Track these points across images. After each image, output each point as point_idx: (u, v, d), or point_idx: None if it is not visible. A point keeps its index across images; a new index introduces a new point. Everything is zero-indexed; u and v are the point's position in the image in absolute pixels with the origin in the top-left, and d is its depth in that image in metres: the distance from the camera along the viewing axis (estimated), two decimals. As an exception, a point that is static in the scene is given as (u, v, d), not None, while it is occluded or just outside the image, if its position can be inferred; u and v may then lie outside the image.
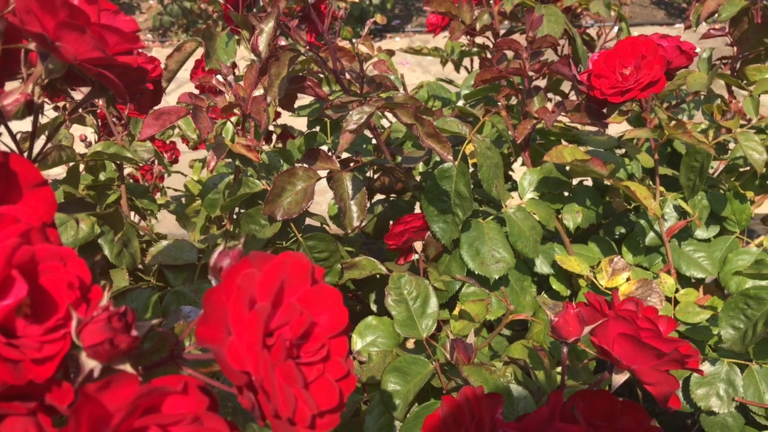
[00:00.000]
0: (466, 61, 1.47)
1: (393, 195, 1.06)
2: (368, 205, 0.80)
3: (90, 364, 0.31)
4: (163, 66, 0.94)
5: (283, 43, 0.87)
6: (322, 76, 0.98)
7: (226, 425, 0.32)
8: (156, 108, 0.77)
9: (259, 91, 0.79)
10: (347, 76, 0.88)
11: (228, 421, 0.34)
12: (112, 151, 0.85)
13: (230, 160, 0.84)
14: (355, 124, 0.72)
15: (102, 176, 0.97)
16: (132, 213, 1.12)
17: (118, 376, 0.30)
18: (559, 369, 0.65)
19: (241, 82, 0.81)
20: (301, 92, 0.79)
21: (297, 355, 0.34)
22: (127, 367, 0.32)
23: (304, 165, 0.81)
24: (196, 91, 0.93)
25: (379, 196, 1.12)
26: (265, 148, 1.37)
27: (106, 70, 0.40)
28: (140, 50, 0.93)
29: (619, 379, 0.49)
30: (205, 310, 0.31)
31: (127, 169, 1.55)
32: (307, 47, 0.76)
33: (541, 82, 1.24)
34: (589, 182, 1.03)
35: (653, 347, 0.46)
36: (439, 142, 0.71)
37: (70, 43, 0.38)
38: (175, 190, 1.45)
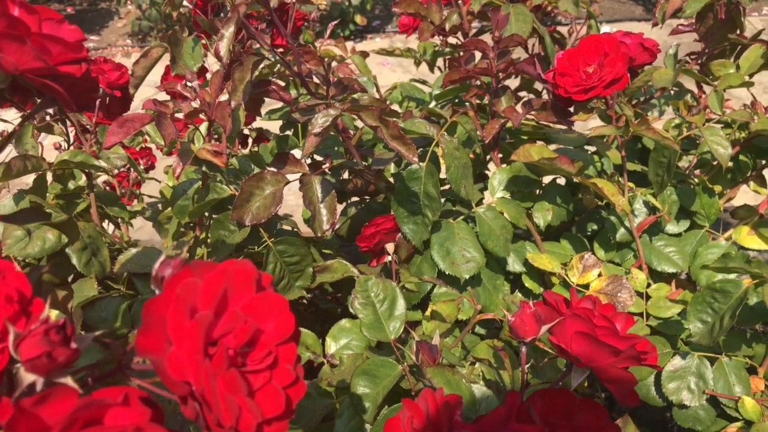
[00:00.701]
0: (441, 62, 1.47)
1: (367, 197, 1.06)
2: (338, 207, 0.80)
3: (29, 378, 0.31)
4: (130, 72, 0.94)
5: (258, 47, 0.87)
6: (291, 79, 0.98)
7: (170, 436, 0.32)
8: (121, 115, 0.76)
9: (224, 97, 0.79)
10: (315, 79, 0.88)
11: (175, 431, 0.33)
12: (80, 160, 0.84)
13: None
14: (320, 127, 0.72)
15: (71, 185, 0.96)
16: (107, 222, 1.11)
17: (56, 390, 0.30)
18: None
19: (208, 88, 0.81)
20: (266, 96, 0.79)
21: (242, 364, 0.34)
22: (68, 381, 0.32)
23: (273, 169, 0.80)
24: (168, 97, 0.92)
25: (355, 199, 1.12)
26: (243, 152, 1.37)
27: (51, 81, 0.40)
28: (106, 58, 0.92)
29: (579, 377, 0.49)
30: (145, 321, 0.31)
31: (103, 177, 1.55)
32: (272, 51, 0.76)
33: (515, 82, 1.25)
34: (561, 180, 1.04)
35: (609, 345, 0.46)
36: (404, 144, 0.71)
37: (10, 53, 0.37)
38: (150, 196, 1.45)
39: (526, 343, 0.48)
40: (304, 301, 1.39)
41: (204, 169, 0.80)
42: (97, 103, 0.92)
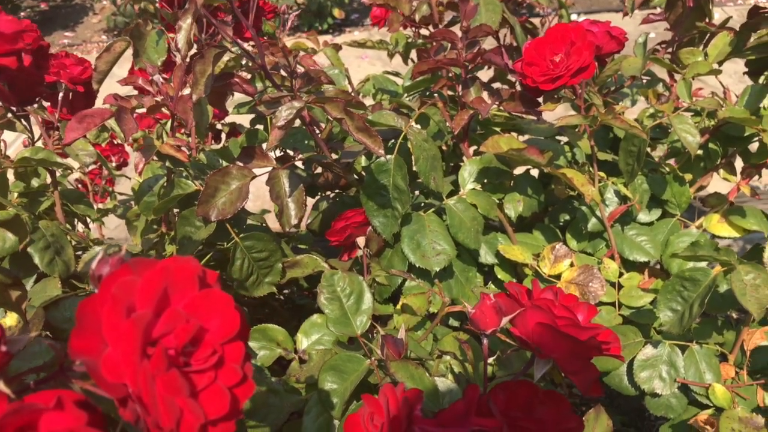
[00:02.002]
0: (415, 54, 1.46)
1: (338, 191, 1.05)
2: (306, 201, 0.79)
3: (-43, 383, 0.30)
4: (93, 67, 0.92)
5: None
6: (258, 72, 0.97)
7: (108, 440, 0.31)
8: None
9: (188, 90, 0.77)
10: (284, 72, 0.86)
11: (115, 434, 0.32)
12: (41, 157, 0.82)
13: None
14: (284, 119, 0.71)
15: (35, 182, 0.94)
16: (76, 221, 1.09)
17: (-16, 395, 0.28)
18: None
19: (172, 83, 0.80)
20: (229, 89, 0.77)
21: (185, 364, 0.33)
22: (0, 385, 0.31)
23: (239, 163, 0.79)
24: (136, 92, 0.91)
25: (331, 195, 1.11)
26: (215, 147, 1.35)
27: (-13, 74, 0.39)
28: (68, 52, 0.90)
29: (541, 368, 0.48)
30: (79, 321, 0.30)
31: (76, 175, 1.52)
32: (235, 42, 0.75)
33: (489, 74, 1.24)
34: (535, 172, 1.03)
35: (570, 336, 0.45)
36: (370, 137, 0.70)
37: (-60, 46, 0.36)
38: (122, 194, 1.43)
39: (487, 335, 0.47)
40: (281, 297, 1.38)
41: (167, 164, 0.78)
42: (60, 98, 0.91)
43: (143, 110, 0.79)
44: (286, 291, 1.39)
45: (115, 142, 1.53)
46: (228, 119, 1.54)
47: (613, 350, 0.48)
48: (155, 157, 0.87)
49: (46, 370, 0.39)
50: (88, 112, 0.73)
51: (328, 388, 0.65)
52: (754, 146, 0.99)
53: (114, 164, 1.52)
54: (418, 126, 0.85)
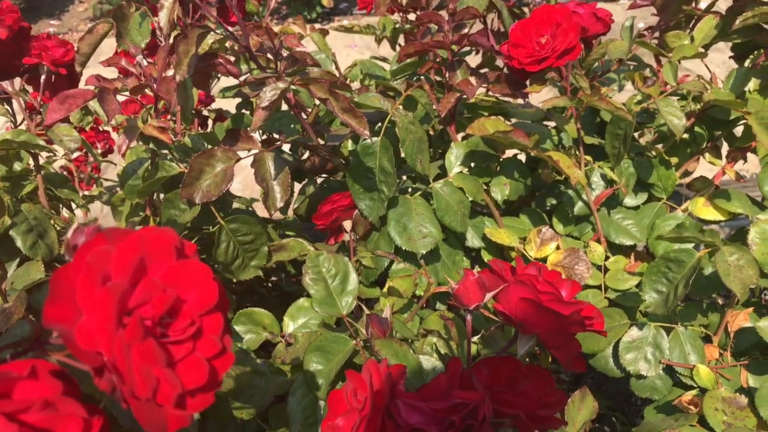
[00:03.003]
0: (403, 39, 1.45)
1: (325, 175, 1.04)
2: (291, 184, 0.78)
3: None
4: (75, 49, 0.91)
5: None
6: (244, 55, 0.96)
7: (84, 410, 0.30)
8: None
9: (171, 72, 0.76)
10: (270, 56, 0.85)
11: (92, 405, 0.32)
12: (23, 139, 0.81)
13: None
14: (268, 100, 0.70)
15: (17, 166, 0.93)
16: (61, 206, 1.08)
17: (-44, 365, 0.28)
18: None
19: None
20: (213, 70, 0.77)
21: (163, 334, 0.33)
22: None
23: (224, 146, 0.79)
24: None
25: (319, 180, 1.10)
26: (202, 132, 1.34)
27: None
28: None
29: (525, 344, 0.48)
30: (53, 290, 0.30)
31: (61, 161, 1.51)
32: (218, 23, 0.74)
33: (477, 59, 1.24)
34: (522, 156, 1.03)
35: (553, 311, 0.46)
36: (355, 117, 0.70)
37: None
38: (108, 180, 1.41)
39: (470, 310, 0.47)
40: (269, 284, 1.38)
41: (151, 146, 0.77)
42: (42, 81, 0.89)
43: (128, 95, 0.79)
44: (273, 278, 1.38)
45: (101, 129, 1.52)
46: (214, 105, 1.53)
47: (597, 326, 0.48)
48: (140, 142, 0.87)
49: (24, 345, 0.39)
50: (69, 93, 0.72)
51: (314, 369, 0.65)
52: (739, 131, 0.99)
53: (99, 151, 1.51)
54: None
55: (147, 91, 0.78)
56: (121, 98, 1.33)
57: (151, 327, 0.32)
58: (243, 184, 2.42)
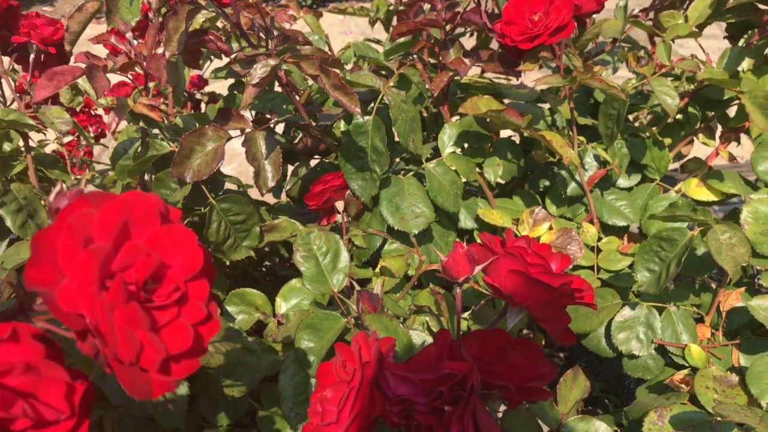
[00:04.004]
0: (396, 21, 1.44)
1: (318, 156, 1.04)
2: (282, 163, 0.78)
3: None
4: (65, 28, 0.90)
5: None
6: (235, 34, 0.95)
7: (66, 373, 0.30)
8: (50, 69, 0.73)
9: (161, 49, 0.76)
10: (261, 34, 0.85)
11: (75, 370, 0.32)
12: (12, 118, 0.81)
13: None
14: (258, 78, 0.70)
15: (7, 147, 0.93)
16: (52, 186, 1.08)
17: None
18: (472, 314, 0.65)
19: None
20: (203, 46, 0.76)
21: (147, 299, 0.32)
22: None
23: (215, 125, 0.78)
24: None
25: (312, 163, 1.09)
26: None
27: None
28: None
29: (514, 317, 0.48)
30: (35, 252, 0.29)
31: (53, 145, 1.50)
32: (209, 2, 0.73)
33: (471, 42, 1.23)
34: (517, 139, 1.03)
35: (542, 283, 0.45)
36: (346, 94, 0.69)
37: None
38: (99, 163, 1.41)
39: (459, 283, 0.47)
40: (263, 269, 1.37)
41: (141, 124, 0.77)
42: (32, 60, 0.89)
43: (121, 79, 0.78)
44: (267, 263, 1.38)
45: (93, 113, 1.50)
46: (208, 89, 1.52)
47: (587, 298, 0.48)
48: (131, 123, 0.86)
49: (9, 313, 0.38)
50: (58, 70, 0.71)
51: (305, 346, 0.65)
52: (732, 112, 0.99)
53: (92, 135, 1.50)
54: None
55: (137, 69, 0.77)
56: (114, 80, 1.33)
57: (135, 291, 0.31)
58: (237, 171, 2.41)
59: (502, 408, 0.55)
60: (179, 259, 0.33)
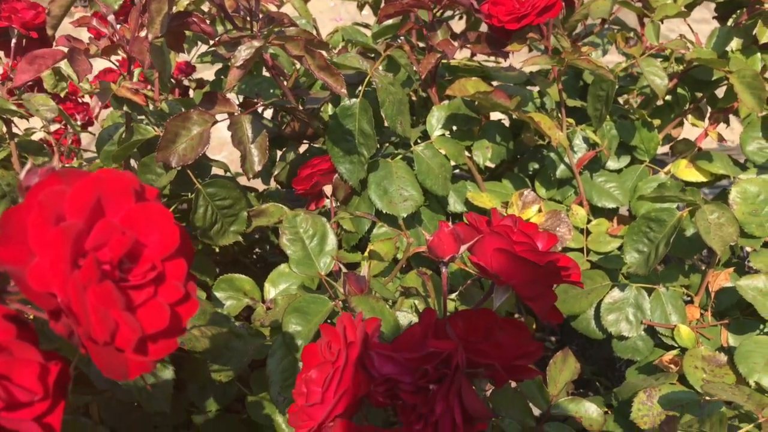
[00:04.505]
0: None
1: (306, 141, 1.03)
2: (268, 146, 0.77)
3: None
4: (46, 11, 0.88)
5: None
6: (220, 16, 0.94)
7: (40, 354, 0.30)
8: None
9: (144, 32, 0.75)
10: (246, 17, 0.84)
11: (49, 351, 0.31)
12: (-6, 104, 0.80)
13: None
14: (243, 59, 0.69)
15: (-10, 134, 0.91)
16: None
17: None
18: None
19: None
20: (186, 29, 0.75)
21: (123, 278, 0.32)
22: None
23: (200, 109, 0.77)
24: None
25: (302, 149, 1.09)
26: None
27: None
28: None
29: (501, 296, 0.48)
30: (4, 230, 0.29)
31: (40, 134, 1.48)
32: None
33: (461, 25, 1.22)
34: (506, 122, 1.02)
35: (528, 261, 0.45)
36: (332, 75, 0.68)
37: None
38: (86, 150, 1.39)
39: (445, 262, 0.47)
40: (253, 256, 1.37)
41: (125, 108, 0.76)
42: (13, 45, 0.87)
43: (107, 66, 0.77)
44: (258, 250, 1.38)
45: (80, 101, 1.49)
46: (196, 76, 1.51)
47: (573, 276, 0.48)
48: (117, 109, 0.85)
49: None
50: (39, 53, 0.70)
51: (293, 330, 0.65)
52: (721, 93, 0.98)
53: (79, 123, 1.49)
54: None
55: (120, 52, 0.76)
56: (101, 67, 1.31)
57: (110, 270, 0.31)
58: (228, 159, 2.40)
59: (491, 388, 0.54)
60: (155, 238, 0.32)
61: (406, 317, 0.54)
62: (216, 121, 0.78)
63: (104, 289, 0.30)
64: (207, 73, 1.93)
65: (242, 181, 1.11)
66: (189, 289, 0.34)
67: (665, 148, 1.10)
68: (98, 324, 0.29)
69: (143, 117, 0.84)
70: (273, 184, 1.17)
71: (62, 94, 1.16)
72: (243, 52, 0.69)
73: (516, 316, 1.03)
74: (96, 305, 0.29)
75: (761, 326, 0.80)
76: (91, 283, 0.29)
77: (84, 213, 0.30)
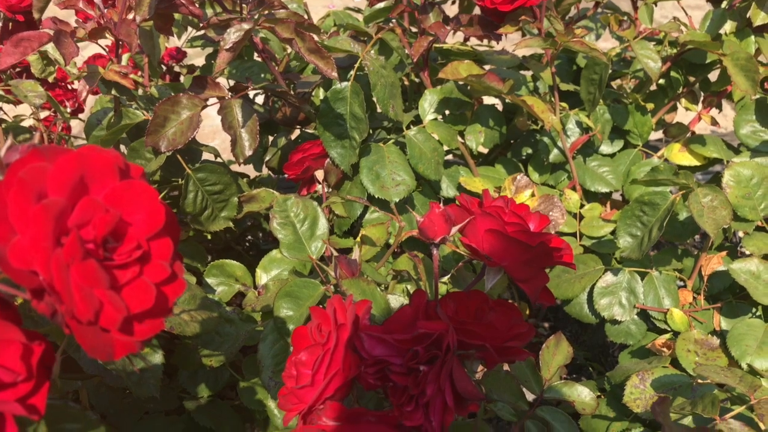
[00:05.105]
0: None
1: (298, 126, 1.02)
2: (259, 131, 0.76)
3: None
4: (33, -5, 0.87)
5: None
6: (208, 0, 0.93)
7: (22, 334, 0.29)
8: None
9: (132, 15, 0.74)
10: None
11: (32, 331, 0.31)
12: (-21, 89, 0.79)
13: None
14: (232, 42, 0.68)
15: (-22, 119, 0.90)
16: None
17: None
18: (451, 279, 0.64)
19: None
20: (174, 11, 0.74)
21: (107, 257, 0.31)
22: None
23: (190, 93, 0.76)
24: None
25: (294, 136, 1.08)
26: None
27: None
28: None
29: (493, 278, 0.48)
30: (-17, 208, 0.28)
31: (29, 121, 1.47)
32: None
33: (454, 9, 1.21)
34: (499, 106, 1.02)
35: (520, 241, 0.45)
36: (322, 58, 0.68)
37: None
38: (76, 137, 1.38)
39: (436, 243, 0.46)
40: (246, 243, 1.36)
41: (114, 92, 0.75)
42: (-1, 29, 0.86)
43: (97, 51, 0.76)
44: (250, 237, 1.37)
45: (70, 87, 1.47)
46: (188, 62, 1.49)
47: (566, 258, 0.48)
48: (105, 94, 0.84)
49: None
50: (24, 35, 0.69)
51: (284, 314, 0.64)
52: (714, 76, 0.98)
53: (69, 110, 1.47)
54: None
55: (107, 35, 0.75)
56: (90, 52, 1.29)
57: (94, 249, 0.30)
58: (221, 147, 2.39)
59: (482, 370, 0.54)
60: (141, 217, 0.32)
61: (397, 300, 0.54)
62: (206, 105, 0.77)
63: (88, 267, 0.29)
64: (199, 59, 1.91)
65: (234, 168, 1.10)
66: (175, 268, 0.33)
67: (658, 133, 1.10)
68: (82, 303, 0.28)
69: (132, 102, 0.83)
70: (265, 171, 1.16)
71: (50, 80, 1.14)
72: (232, 35, 0.68)
73: (510, 302, 1.03)
74: (79, 283, 0.29)
75: (753, 310, 0.80)
76: (74, 261, 0.29)
77: (66, 190, 0.29)
